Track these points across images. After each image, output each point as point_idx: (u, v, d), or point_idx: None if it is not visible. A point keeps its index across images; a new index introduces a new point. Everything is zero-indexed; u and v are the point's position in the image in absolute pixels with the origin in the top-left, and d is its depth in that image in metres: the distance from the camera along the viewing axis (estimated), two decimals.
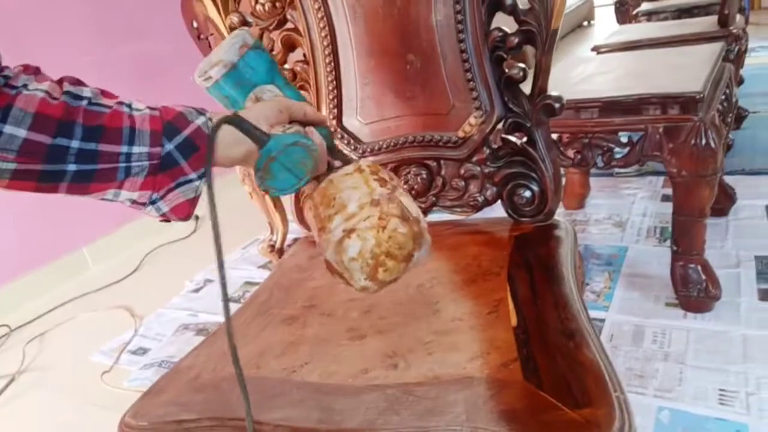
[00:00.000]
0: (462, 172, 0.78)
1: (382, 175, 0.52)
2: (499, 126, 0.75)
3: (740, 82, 2.16)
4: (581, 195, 1.86)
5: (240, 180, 1.95)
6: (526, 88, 0.73)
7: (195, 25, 1.76)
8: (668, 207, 1.44)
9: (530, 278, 0.65)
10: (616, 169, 2.06)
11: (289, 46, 0.81)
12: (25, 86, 0.42)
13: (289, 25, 0.80)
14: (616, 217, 1.77)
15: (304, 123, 0.53)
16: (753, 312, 1.22)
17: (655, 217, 1.72)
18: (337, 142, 0.81)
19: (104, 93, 0.46)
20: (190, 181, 0.47)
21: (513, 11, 0.69)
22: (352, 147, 0.81)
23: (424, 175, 0.79)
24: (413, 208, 0.51)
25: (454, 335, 0.58)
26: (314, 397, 0.53)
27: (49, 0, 2.01)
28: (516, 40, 0.70)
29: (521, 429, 0.45)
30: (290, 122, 0.52)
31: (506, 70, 0.73)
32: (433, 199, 0.80)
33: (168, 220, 0.50)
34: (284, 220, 2.04)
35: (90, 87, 0.45)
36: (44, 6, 2.00)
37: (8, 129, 0.40)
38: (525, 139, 0.74)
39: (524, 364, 0.51)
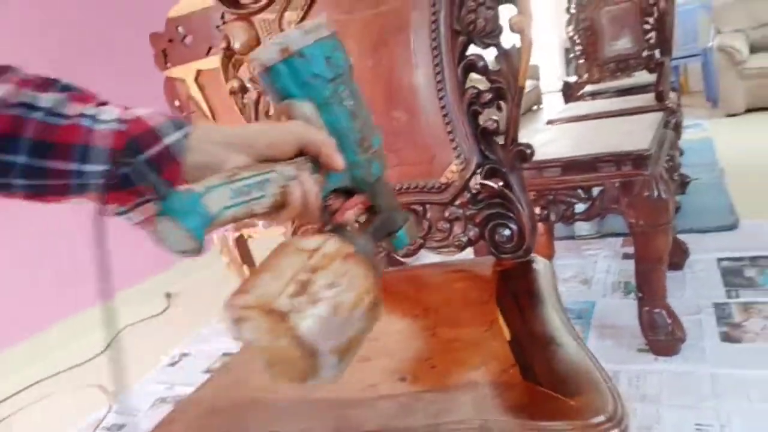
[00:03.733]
0: (446, 215, 0.85)
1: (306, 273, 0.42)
2: (478, 172, 0.83)
3: (681, 152, 2.37)
4: (547, 256, 1.94)
5: (219, 251, 1.98)
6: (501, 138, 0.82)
7: (177, 103, 1.85)
8: (629, 264, 1.55)
9: (516, 303, 0.71)
10: (578, 232, 2.18)
11: None
12: None
13: None
14: (581, 275, 1.87)
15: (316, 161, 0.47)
16: (717, 353, 1.30)
17: (618, 274, 1.82)
18: None
19: (76, 97, 0.42)
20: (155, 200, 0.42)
21: (485, 72, 0.80)
22: None
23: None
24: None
25: (454, 352, 0.62)
26: (330, 410, 0.56)
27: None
28: (489, 96, 0.80)
29: (528, 418, 0.49)
30: (302, 154, 0.46)
31: (481, 123, 0.82)
32: (421, 241, 0.87)
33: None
34: None
35: (55, 92, 0.42)
36: None
37: None
38: (501, 183, 0.83)
39: (522, 369, 0.56)
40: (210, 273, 2.69)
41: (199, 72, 1.68)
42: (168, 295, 2.54)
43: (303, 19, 0.85)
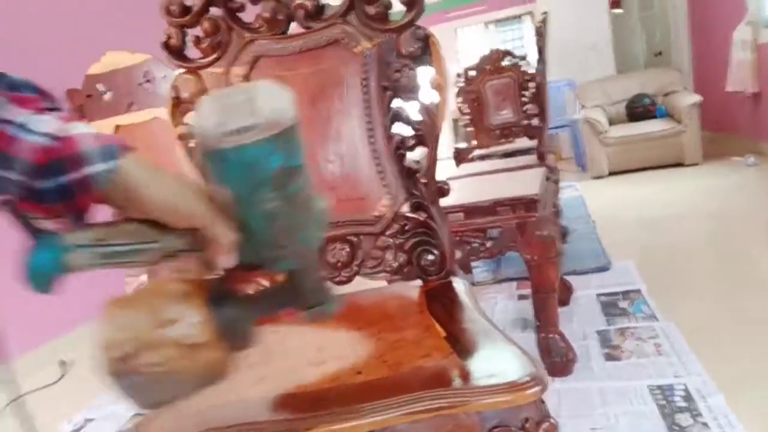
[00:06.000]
0: (378, 243, 0.97)
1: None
2: (405, 206, 0.96)
3: (560, 208, 2.70)
4: None
5: None
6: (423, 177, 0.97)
7: None
8: (524, 303, 1.75)
9: (446, 311, 0.83)
10: (477, 279, 2.38)
11: None
12: None
13: None
14: None
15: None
16: (602, 370, 1.50)
17: (515, 312, 2.02)
18: None
19: (16, 99, 0.41)
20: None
21: (408, 121, 0.95)
22: None
23: (348, 249, 0.97)
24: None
25: (400, 349, 0.72)
26: (297, 399, 0.63)
27: None
28: (412, 142, 0.95)
29: (472, 386, 0.60)
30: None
31: (405, 164, 0.96)
32: (356, 268, 0.97)
33: None
34: None
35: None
36: None
37: None
38: (425, 215, 0.96)
39: (460, 354, 0.67)
40: None
41: (117, 127, 1.71)
42: (63, 363, 2.39)
43: (248, 75, 0.96)
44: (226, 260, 0.47)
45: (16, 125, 0.40)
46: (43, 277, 0.42)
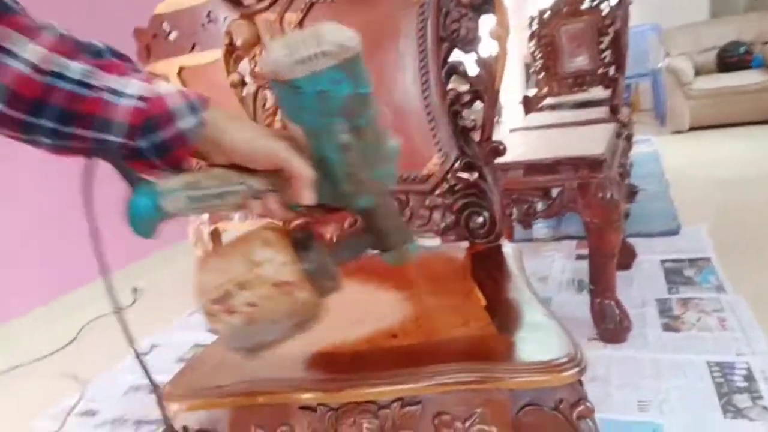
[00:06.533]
0: (427, 203, 0.94)
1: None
2: (456, 165, 0.93)
3: (631, 164, 2.56)
4: None
5: (192, 243, 2.02)
6: (477, 135, 0.93)
7: None
8: (582, 264, 1.68)
9: (490, 277, 0.81)
10: (536, 235, 2.32)
11: None
12: (10, 53, 0.41)
13: None
14: (539, 273, 1.99)
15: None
16: (658, 340, 1.44)
17: (572, 272, 1.96)
18: None
19: (106, 66, 0.45)
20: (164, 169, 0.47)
21: (465, 75, 0.90)
22: None
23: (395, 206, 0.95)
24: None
25: (438, 315, 0.71)
26: (330, 359, 0.64)
27: None
28: (468, 98, 0.90)
29: (503, 361, 0.58)
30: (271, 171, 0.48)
31: (460, 121, 0.92)
32: None
33: None
34: None
35: (86, 58, 0.44)
36: None
37: None
38: (477, 175, 0.93)
39: (498, 326, 0.65)
40: (176, 267, 2.71)
41: (181, 68, 1.73)
42: (135, 290, 2.55)
43: (302, 22, 0.93)
44: (308, 199, 0.48)
45: (112, 91, 0.44)
46: (143, 221, 0.47)
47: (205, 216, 1.89)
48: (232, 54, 0.96)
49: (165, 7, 1.67)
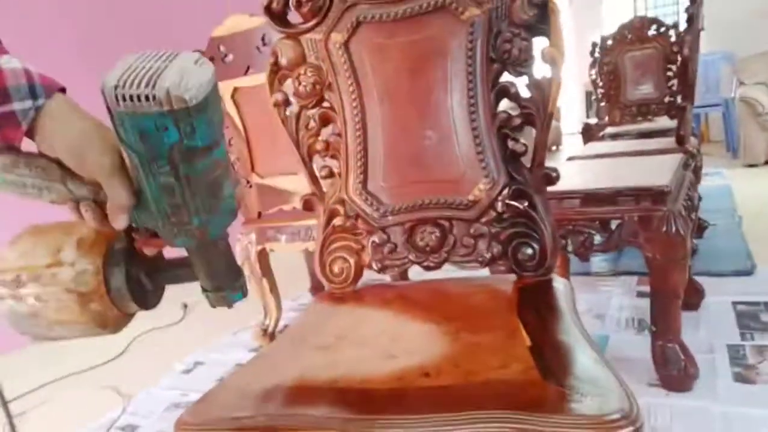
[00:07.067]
0: (471, 231, 0.89)
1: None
2: (504, 192, 0.87)
3: (699, 197, 2.40)
4: None
5: (239, 262, 2.02)
6: (527, 161, 0.87)
7: None
8: (643, 301, 1.57)
9: (537, 314, 0.74)
10: (593, 269, 2.20)
11: (325, 121, 0.95)
12: None
13: (326, 104, 0.94)
14: (595, 310, 1.88)
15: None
16: (730, 391, 1.30)
17: (631, 310, 1.83)
18: (360, 202, 0.92)
19: None
20: None
21: (516, 98, 0.85)
22: (375, 207, 0.92)
23: (438, 234, 0.90)
24: None
25: (477, 354, 0.65)
26: (356, 398, 0.59)
27: None
28: (518, 121, 0.85)
29: (547, 413, 0.52)
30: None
31: (510, 146, 0.87)
32: (445, 255, 0.90)
33: None
34: (278, 305, 2.09)
35: None
36: None
37: None
38: (527, 203, 0.87)
39: (542, 370, 0.59)
40: None
41: (236, 89, 1.76)
42: (185, 306, 2.58)
43: (347, 42, 0.91)
44: (118, 224, 0.48)
45: None
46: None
47: (253, 236, 1.90)
48: (276, 73, 0.95)
49: (222, 30, 1.71)
